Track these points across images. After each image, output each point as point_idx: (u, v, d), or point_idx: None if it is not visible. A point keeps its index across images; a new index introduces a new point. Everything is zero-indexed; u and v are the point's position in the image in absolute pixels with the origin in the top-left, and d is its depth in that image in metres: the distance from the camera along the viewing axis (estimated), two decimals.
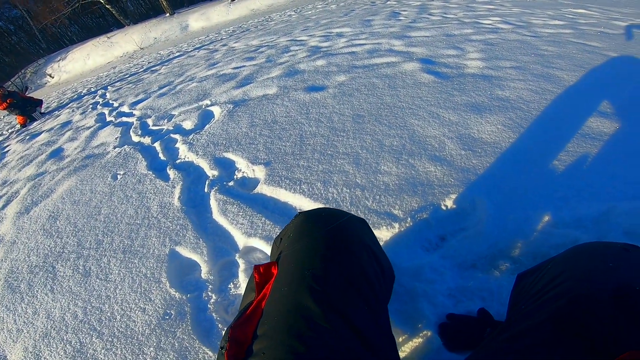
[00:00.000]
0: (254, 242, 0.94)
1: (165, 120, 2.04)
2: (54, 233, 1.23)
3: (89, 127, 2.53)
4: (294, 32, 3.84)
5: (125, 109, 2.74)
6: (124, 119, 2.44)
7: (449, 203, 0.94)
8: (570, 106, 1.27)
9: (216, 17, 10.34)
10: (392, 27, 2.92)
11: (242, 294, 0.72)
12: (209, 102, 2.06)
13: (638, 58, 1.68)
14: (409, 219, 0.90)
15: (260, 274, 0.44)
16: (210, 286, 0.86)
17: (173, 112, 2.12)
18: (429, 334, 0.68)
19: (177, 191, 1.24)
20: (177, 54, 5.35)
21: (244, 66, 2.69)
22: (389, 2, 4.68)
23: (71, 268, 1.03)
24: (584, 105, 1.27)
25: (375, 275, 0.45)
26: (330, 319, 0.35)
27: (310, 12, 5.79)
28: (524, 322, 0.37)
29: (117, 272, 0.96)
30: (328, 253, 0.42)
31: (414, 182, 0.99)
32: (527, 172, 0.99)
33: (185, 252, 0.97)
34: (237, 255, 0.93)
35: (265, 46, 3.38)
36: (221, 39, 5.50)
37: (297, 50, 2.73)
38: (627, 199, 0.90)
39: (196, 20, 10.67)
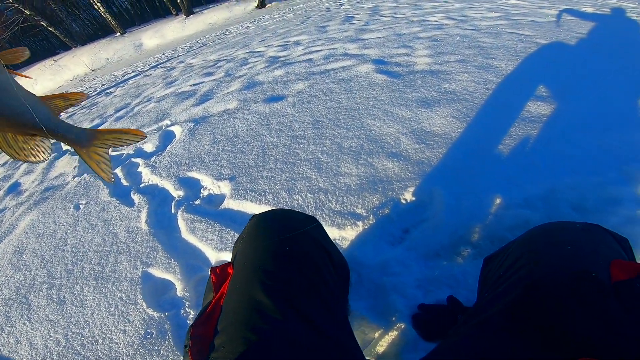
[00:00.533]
0: (226, 255, 0.95)
1: None
2: (22, 267, 1.18)
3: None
4: (251, 43, 3.85)
5: None
6: None
7: (408, 196, 0.99)
8: (510, 93, 1.38)
9: (171, 33, 10.13)
10: (346, 31, 3.02)
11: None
12: (169, 122, 2.02)
13: (565, 43, 1.86)
14: (372, 216, 0.94)
15: (217, 274, 0.46)
16: (187, 302, 0.87)
17: None
18: (403, 326, 0.70)
19: (143, 215, 1.22)
20: (133, 74, 5.19)
21: (203, 82, 2.67)
22: (343, 7, 4.83)
23: (45, 298, 1.01)
24: (522, 91, 1.39)
25: (326, 268, 0.47)
26: (281, 310, 0.38)
27: (267, 22, 5.84)
28: (489, 309, 0.38)
29: (91, 298, 0.95)
30: (278, 250, 0.45)
31: (373, 180, 1.04)
32: (477, 159, 1.07)
33: (158, 272, 0.97)
34: (210, 271, 0.94)
35: (223, 60, 3.36)
36: (178, 55, 5.40)
37: (256, 61, 2.75)
38: (569, 174, 0.98)
39: (150, 38, 10.38)
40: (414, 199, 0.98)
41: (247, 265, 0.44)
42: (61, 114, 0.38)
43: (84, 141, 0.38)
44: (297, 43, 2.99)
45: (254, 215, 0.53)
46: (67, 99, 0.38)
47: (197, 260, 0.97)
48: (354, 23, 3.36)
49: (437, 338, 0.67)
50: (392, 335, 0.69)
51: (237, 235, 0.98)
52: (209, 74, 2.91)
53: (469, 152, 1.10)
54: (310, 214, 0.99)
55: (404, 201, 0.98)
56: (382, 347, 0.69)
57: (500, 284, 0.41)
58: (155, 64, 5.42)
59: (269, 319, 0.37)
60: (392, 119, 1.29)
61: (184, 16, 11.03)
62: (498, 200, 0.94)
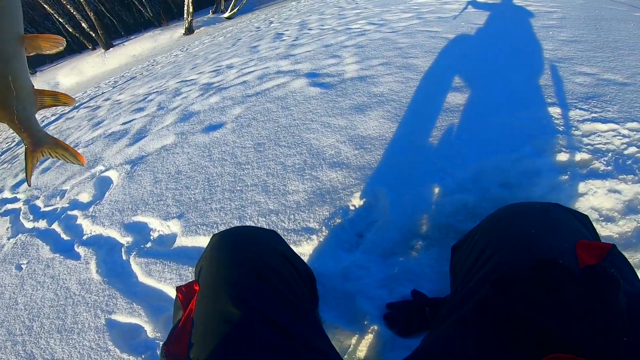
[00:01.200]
0: None
1: (58, 198, 1.81)
2: None
3: None
4: (182, 72, 3.75)
5: (6, 194, 2.33)
6: (9, 205, 2.08)
7: (355, 202, 1.04)
8: (430, 88, 1.53)
9: (91, 69, 9.45)
10: (277, 48, 3.09)
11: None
12: (102, 168, 1.89)
13: (469, 35, 2.10)
14: (325, 227, 0.97)
15: (183, 292, 0.47)
16: (160, 342, 0.84)
17: (64, 187, 1.89)
18: (377, 327, 0.72)
19: (92, 266, 1.16)
20: (53, 117, 4.73)
21: (134, 119, 2.54)
22: (272, 25, 4.93)
23: (13, 354, 0.95)
24: (440, 84, 1.54)
25: (291, 277, 0.49)
26: (251, 319, 0.39)
27: (197, 48, 5.73)
28: (463, 306, 0.39)
29: (60, 350, 0.90)
30: (242, 263, 0.47)
31: (321, 192, 1.07)
32: (411, 154, 1.16)
33: (122, 318, 0.94)
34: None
35: (154, 93, 3.23)
36: (102, 92, 5.05)
37: (189, 90, 2.68)
38: (491, 155, 1.11)
39: (66, 75, 9.57)
40: (361, 203, 1.04)
41: (213, 280, 0.45)
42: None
43: (41, 143, 0.39)
44: (230, 66, 2.99)
45: (214, 235, 0.56)
46: (56, 99, 0.38)
47: (161, 301, 0.95)
48: (284, 40, 3.45)
49: (412, 333, 0.70)
50: (368, 338, 0.71)
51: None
52: (140, 109, 2.77)
53: (403, 149, 1.19)
54: None
55: (352, 207, 1.03)
56: (361, 352, 0.70)
57: (471, 279, 0.42)
58: (78, 104, 5.02)
59: (239, 329, 0.38)
60: (329, 130, 1.35)
61: (103, 50, 10.38)
62: (436, 190, 1.03)
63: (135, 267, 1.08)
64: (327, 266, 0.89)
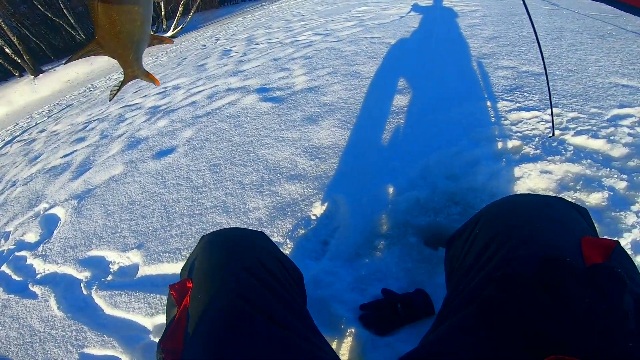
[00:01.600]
0: (160, 318, 0.92)
1: (2, 241, 1.65)
2: None
3: None
4: (125, 96, 3.57)
5: None
6: None
7: (316, 211, 1.07)
8: (376, 93, 1.62)
9: (20, 98, 8.60)
10: (226, 65, 3.06)
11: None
12: (47, 205, 1.74)
13: (405, 38, 2.26)
14: (289, 240, 0.99)
15: (176, 289, 0.47)
16: None
17: (7, 229, 1.72)
18: (354, 330, 0.74)
19: (52, 303, 1.09)
20: None
21: (76, 150, 2.36)
22: (219, 42, 4.86)
23: None
24: (384, 88, 1.64)
25: (281, 273, 0.51)
26: (247, 312, 0.40)
27: None
28: (465, 305, 0.38)
29: None
30: (234, 260, 0.47)
31: (281, 206, 1.09)
32: (364, 159, 1.22)
33: (96, 351, 0.89)
34: (151, 335, 0.90)
35: (95, 120, 3.03)
36: (36, 123, 4.63)
37: (134, 115, 2.56)
38: (435, 150, 1.20)
39: None
40: (322, 211, 1.07)
41: (206, 276, 0.46)
42: None
43: (140, 75, 0.47)
44: (177, 87, 2.91)
45: (204, 236, 0.56)
46: (161, 42, 0.46)
47: (133, 330, 0.92)
48: (232, 56, 3.42)
49: (388, 330, 0.73)
50: (348, 341, 0.73)
51: (164, 298, 0.95)
52: (81, 139, 2.59)
53: (356, 155, 1.25)
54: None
55: (314, 217, 1.06)
56: (343, 356, 0.72)
57: (474, 276, 0.41)
58: (10, 138, 4.55)
59: (236, 321, 0.39)
60: (284, 144, 1.38)
61: (32, 76, 9.52)
62: (390, 190, 1.10)
63: (99, 301, 1.04)
64: None
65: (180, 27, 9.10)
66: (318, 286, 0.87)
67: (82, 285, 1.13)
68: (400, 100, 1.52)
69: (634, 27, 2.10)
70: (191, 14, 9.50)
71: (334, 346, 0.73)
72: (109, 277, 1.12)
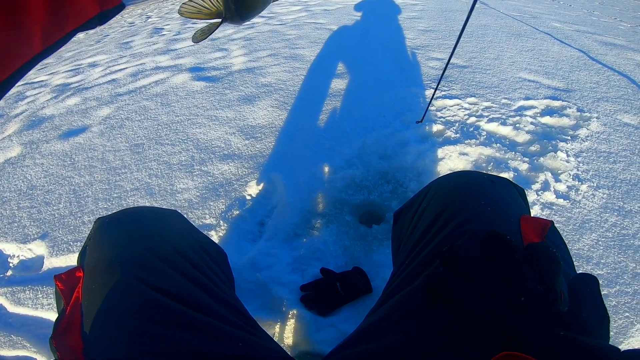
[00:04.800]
0: None
1: None
2: None
3: None
4: (27, 75, 3.11)
5: None
6: None
7: (252, 191, 1.07)
8: (316, 76, 1.67)
9: None
10: (156, 44, 2.85)
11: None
12: None
13: (347, 25, 2.36)
14: (223, 221, 0.97)
15: (63, 280, 0.42)
16: None
17: None
18: (296, 312, 0.75)
19: None
20: None
21: None
22: (150, 20, 4.47)
23: None
24: (324, 72, 1.70)
25: (198, 256, 0.48)
26: (153, 299, 0.37)
27: None
28: (409, 282, 0.39)
29: None
30: (141, 242, 0.43)
31: (213, 186, 1.07)
32: (301, 138, 1.26)
33: (5, 352, 0.81)
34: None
35: None
36: None
37: (37, 94, 2.26)
38: (369, 132, 1.29)
39: None
40: (258, 191, 1.08)
41: (102, 262, 0.41)
42: None
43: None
44: (94, 64, 2.63)
45: (99, 218, 0.49)
46: None
47: (43, 328, 0.85)
48: (163, 34, 3.19)
49: (330, 310, 0.76)
50: (291, 323, 0.74)
51: None
52: None
53: (293, 135, 1.28)
54: None
55: (249, 197, 1.06)
56: (288, 338, 0.73)
57: (420, 252, 0.41)
58: None
59: (142, 308, 0.36)
60: (217, 123, 1.35)
61: None
62: (326, 169, 1.15)
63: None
64: (234, 260, 0.89)
65: None
66: (256, 268, 0.86)
67: None
68: (339, 84, 1.59)
69: (547, 28, 2.49)
70: None
71: (277, 329, 0.74)
72: (9, 273, 1.01)
